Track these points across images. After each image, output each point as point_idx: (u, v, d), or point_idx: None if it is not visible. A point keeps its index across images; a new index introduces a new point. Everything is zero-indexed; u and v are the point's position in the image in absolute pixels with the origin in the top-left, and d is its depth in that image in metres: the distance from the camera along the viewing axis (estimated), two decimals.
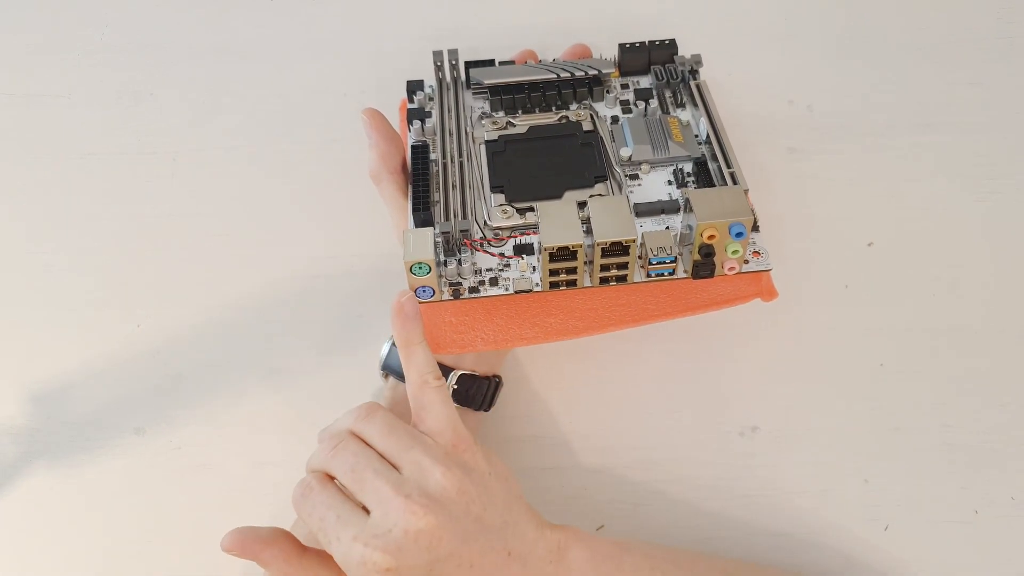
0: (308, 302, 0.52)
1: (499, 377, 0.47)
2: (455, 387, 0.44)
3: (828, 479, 0.48)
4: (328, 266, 0.52)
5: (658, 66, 0.47)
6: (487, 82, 0.46)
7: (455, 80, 0.48)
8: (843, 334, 0.50)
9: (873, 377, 0.49)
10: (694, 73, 0.47)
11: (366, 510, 0.36)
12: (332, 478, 0.37)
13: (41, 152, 0.56)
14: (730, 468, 0.48)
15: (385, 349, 0.46)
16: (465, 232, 0.40)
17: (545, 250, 0.37)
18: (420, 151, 0.44)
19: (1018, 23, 0.57)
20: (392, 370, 0.46)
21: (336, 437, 0.38)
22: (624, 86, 0.48)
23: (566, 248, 0.37)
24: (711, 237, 0.37)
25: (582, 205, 0.41)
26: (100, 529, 0.48)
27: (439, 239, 0.40)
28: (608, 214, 0.37)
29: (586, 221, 0.39)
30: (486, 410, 0.46)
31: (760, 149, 0.54)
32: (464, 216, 0.42)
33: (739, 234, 0.37)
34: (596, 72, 0.46)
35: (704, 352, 0.50)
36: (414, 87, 0.48)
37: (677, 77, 0.46)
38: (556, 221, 0.37)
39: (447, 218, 0.41)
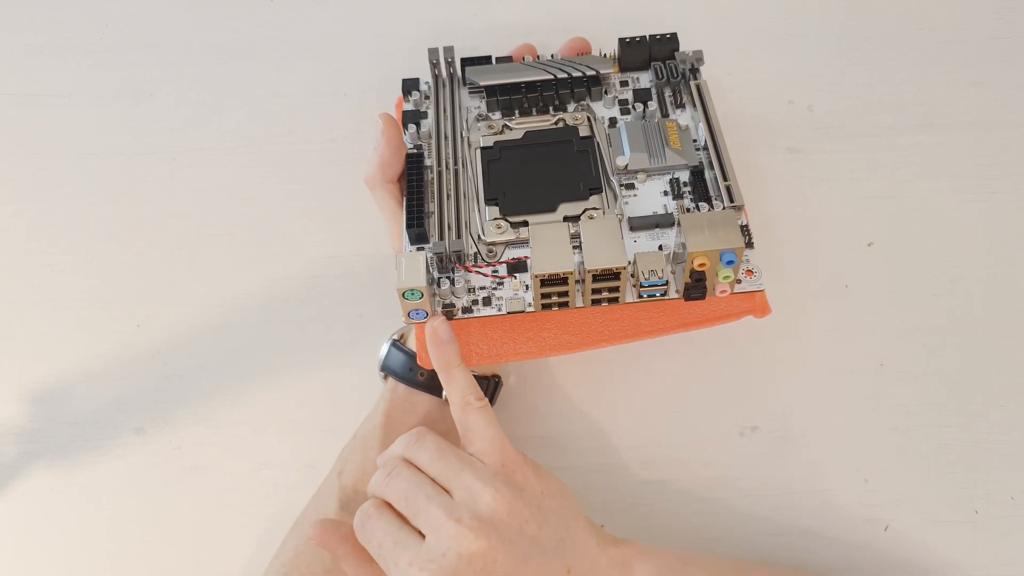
0: (308, 302, 0.52)
1: (498, 377, 0.47)
2: None
3: (828, 479, 0.48)
4: (328, 266, 0.52)
5: (658, 63, 0.47)
6: (483, 83, 0.46)
7: (451, 77, 0.48)
8: (843, 334, 0.50)
9: (873, 377, 0.49)
10: (695, 72, 0.46)
11: (423, 535, 0.36)
12: (390, 504, 0.37)
13: (41, 152, 0.56)
14: (730, 468, 0.48)
15: (384, 349, 0.46)
16: (458, 252, 0.40)
17: (536, 276, 0.37)
18: (415, 161, 0.44)
19: (1018, 23, 0.57)
20: (391, 370, 0.46)
21: (390, 463, 0.38)
22: (623, 83, 0.47)
23: (557, 274, 0.37)
24: (702, 265, 0.37)
25: (575, 219, 0.41)
26: (100, 529, 0.48)
27: (432, 258, 0.40)
28: (599, 238, 0.37)
29: (577, 241, 0.39)
30: None
31: (760, 149, 0.54)
32: (458, 231, 0.41)
33: (730, 262, 0.37)
34: (595, 72, 0.46)
35: (704, 352, 0.50)
36: (410, 86, 0.48)
37: (677, 75, 0.46)
38: (547, 246, 0.37)
39: (441, 230, 0.41)
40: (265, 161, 0.55)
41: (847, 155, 0.54)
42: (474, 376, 0.45)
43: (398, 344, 0.46)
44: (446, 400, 0.45)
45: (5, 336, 0.52)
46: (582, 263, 0.37)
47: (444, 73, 0.47)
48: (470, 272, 0.41)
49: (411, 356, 0.45)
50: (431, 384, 0.45)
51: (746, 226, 0.41)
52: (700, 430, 0.49)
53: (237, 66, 0.58)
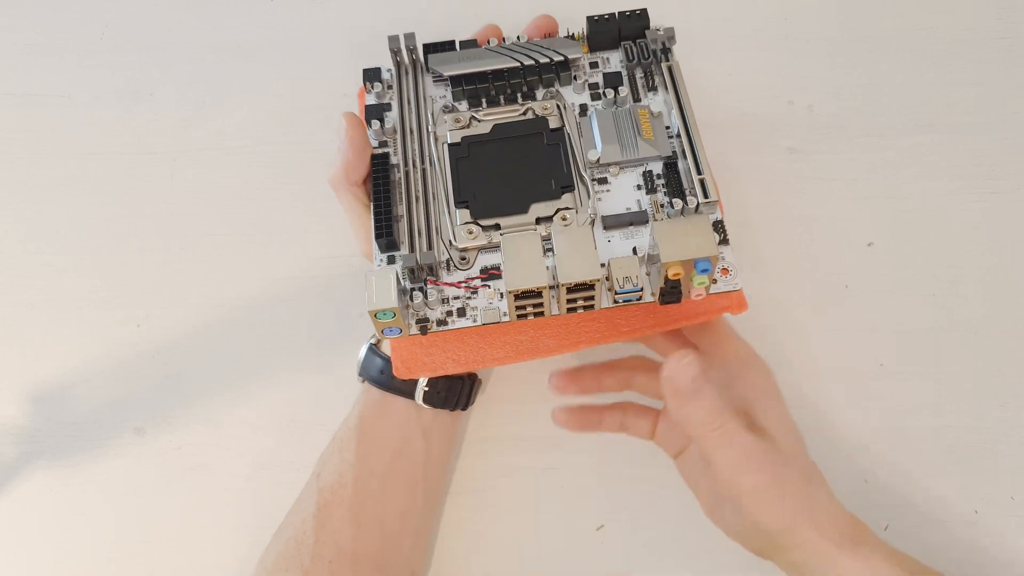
0: (308, 302, 0.52)
1: (474, 375, 0.46)
2: (425, 388, 0.44)
3: (828, 479, 0.47)
4: (328, 266, 0.52)
5: (628, 42, 0.44)
6: (448, 73, 0.44)
7: (414, 64, 0.45)
8: (843, 334, 0.50)
9: (873, 377, 0.49)
10: (666, 52, 0.44)
11: None
12: None
13: (41, 152, 0.56)
14: None
15: (362, 353, 0.46)
16: (430, 265, 0.39)
17: (510, 292, 0.36)
18: (381, 163, 0.42)
19: (1018, 23, 0.57)
20: (367, 374, 0.46)
21: None
22: (593, 65, 0.45)
23: (531, 290, 0.36)
24: (676, 274, 0.36)
25: (548, 220, 0.40)
26: (100, 529, 0.48)
27: (403, 270, 0.39)
28: (572, 249, 0.36)
29: (549, 243, 0.38)
30: (463, 409, 0.46)
31: (760, 149, 0.54)
32: (429, 236, 0.40)
33: (704, 270, 0.36)
34: (563, 57, 0.44)
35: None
36: (372, 76, 0.45)
37: (648, 55, 0.44)
38: (519, 259, 0.36)
39: (411, 237, 0.40)
40: (265, 161, 0.55)
41: (847, 155, 0.54)
42: (446, 377, 0.45)
43: (374, 348, 0.46)
44: (419, 404, 0.45)
45: (5, 336, 0.52)
46: (555, 268, 0.37)
47: (407, 60, 0.45)
48: (443, 288, 0.40)
49: (386, 360, 0.45)
50: (405, 387, 0.45)
51: (721, 222, 0.40)
52: None
53: (237, 66, 0.58)
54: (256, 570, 0.43)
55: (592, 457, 0.49)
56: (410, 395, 0.44)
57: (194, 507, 0.48)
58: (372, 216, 0.41)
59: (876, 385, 0.49)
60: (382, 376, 0.45)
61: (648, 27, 0.45)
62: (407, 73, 0.45)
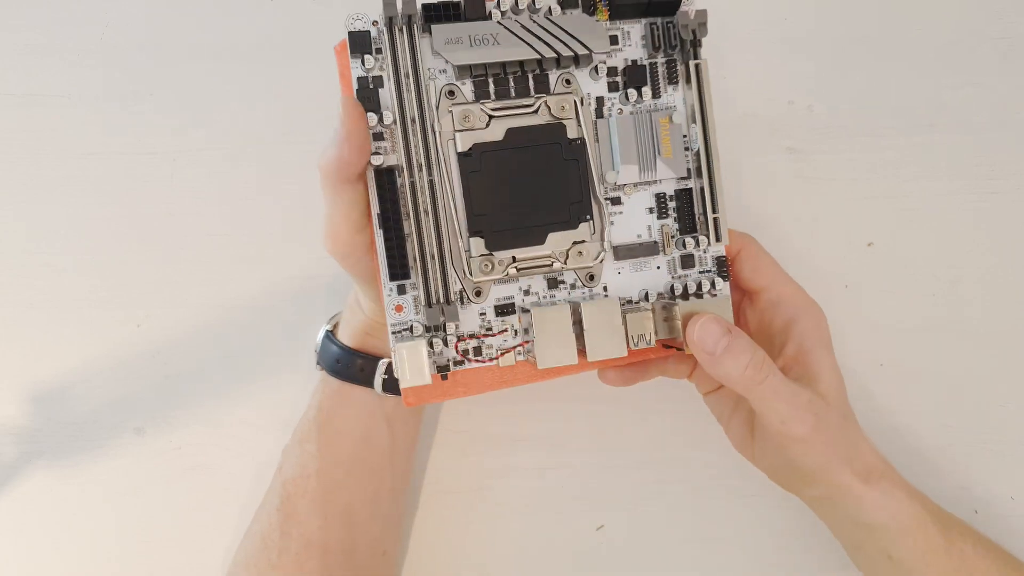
0: (307, 302, 0.52)
1: None
2: (385, 376, 0.44)
3: None
4: (328, 266, 0.52)
5: (655, 20, 0.41)
6: (458, 63, 0.39)
7: (409, 25, 0.39)
8: (843, 334, 0.50)
9: (873, 377, 0.49)
10: (695, 45, 0.41)
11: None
12: None
13: (41, 152, 0.56)
14: (731, 468, 0.48)
15: (320, 338, 0.46)
16: (452, 319, 0.38)
17: (541, 367, 0.38)
18: (388, 183, 0.38)
19: (1018, 23, 0.57)
20: (324, 363, 0.45)
21: None
22: (612, 39, 0.41)
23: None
24: (690, 353, 0.39)
25: (564, 255, 0.40)
26: (100, 529, 0.48)
27: (424, 325, 0.38)
28: (601, 325, 0.38)
29: (577, 321, 0.39)
30: None
31: (760, 149, 0.54)
32: (443, 269, 0.38)
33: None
34: (587, 51, 0.40)
35: None
36: (361, 46, 0.39)
37: (675, 43, 0.41)
38: (550, 336, 0.38)
39: (423, 263, 0.38)
40: (265, 161, 0.55)
41: (847, 155, 0.54)
42: None
43: (330, 335, 0.46)
44: (380, 393, 0.44)
45: (5, 336, 0.52)
46: (583, 337, 0.38)
47: (402, 21, 0.39)
48: (471, 362, 0.39)
49: (341, 349, 0.45)
50: (363, 376, 0.44)
51: (724, 258, 0.41)
52: (700, 430, 0.49)
53: (237, 66, 0.58)
54: (228, 569, 0.44)
55: (592, 457, 0.49)
56: (369, 384, 0.44)
57: (194, 507, 0.48)
58: (383, 251, 0.38)
59: (876, 385, 0.49)
60: (338, 365, 0.44)
61: (680, 6, 0.41)
62: (401, 32, 0.39)
